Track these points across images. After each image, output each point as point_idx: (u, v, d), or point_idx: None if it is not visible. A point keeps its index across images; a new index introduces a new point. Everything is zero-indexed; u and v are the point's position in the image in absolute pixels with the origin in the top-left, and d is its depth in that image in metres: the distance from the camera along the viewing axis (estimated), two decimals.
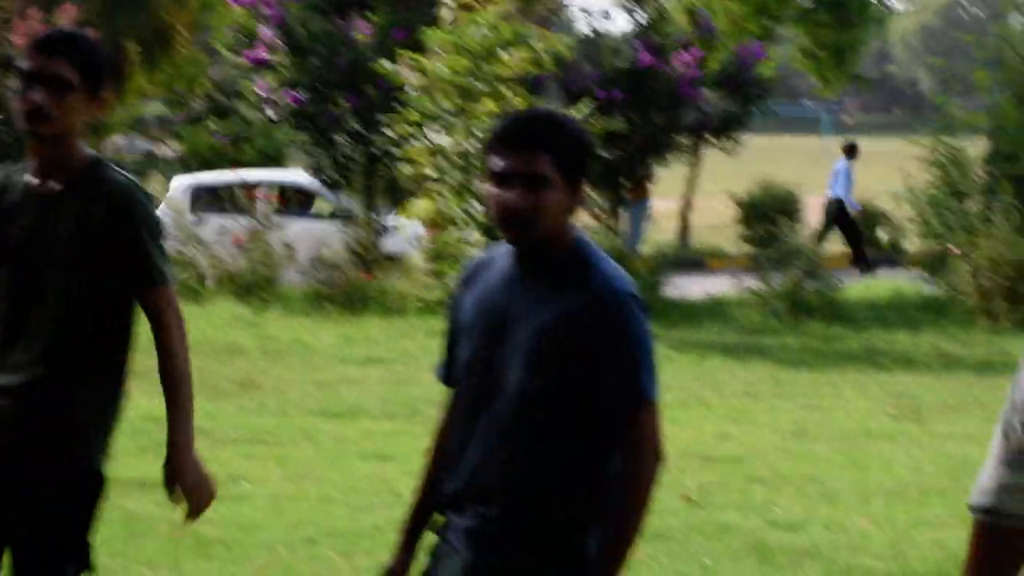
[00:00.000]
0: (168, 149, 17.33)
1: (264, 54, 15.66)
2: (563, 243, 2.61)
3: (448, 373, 2.76)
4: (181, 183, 17.21)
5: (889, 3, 16.48)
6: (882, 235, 21.99)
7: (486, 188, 2.66)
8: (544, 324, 2.55)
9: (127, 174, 3.32)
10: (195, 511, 3.17)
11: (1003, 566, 2.03)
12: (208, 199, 17.39)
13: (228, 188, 17.09)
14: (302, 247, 15.55)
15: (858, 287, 16.92)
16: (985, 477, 2.05)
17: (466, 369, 2.68)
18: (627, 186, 17.81)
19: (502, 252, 2.70)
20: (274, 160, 18.87)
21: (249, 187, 16.76)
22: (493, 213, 2.60)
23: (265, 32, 15.64)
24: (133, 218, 3.22)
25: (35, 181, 3.26)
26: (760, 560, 6.25)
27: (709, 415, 10.16)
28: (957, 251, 15.60)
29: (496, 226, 2.65)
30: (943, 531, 6.58)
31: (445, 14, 13.94)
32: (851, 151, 20.28)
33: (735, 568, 6.15)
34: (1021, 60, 16.64)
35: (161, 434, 3.33)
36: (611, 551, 2.52)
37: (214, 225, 15.85)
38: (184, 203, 16.50)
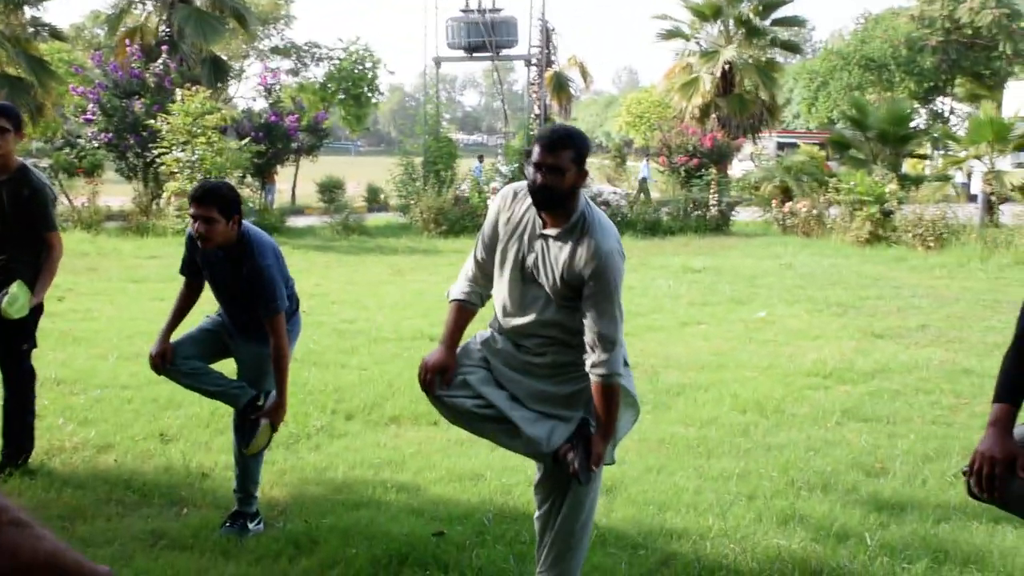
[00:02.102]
0: (43, 163, 20.83)
1: (91, 116, 20.59)
2: (232, 241, 3.83)
3: (183, 271, 4.14)
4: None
5: (381, 98, 21.34)
6: (387, 199, 26.40)
7: (190, 223, 3.74)
8: (233, 262, 3.88)
9: (43, 176, 4.17)
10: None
11: (462, 325, 3.23)
12: None
13: None
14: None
15: (374, 220, 21.14)
16: (461, 284, 3.20)
17: (210, 277, 4.02)
18: (266, 176, 23.12)
19: None
20: (97, 167, 22.62)
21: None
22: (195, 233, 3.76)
23: (91, 107, 20.50)
24: (32, 187, 4.21)
25: None
26: (338, 337, 8.56)
27: (311, 276, 12.62)
28: (412, 203, 20.76)
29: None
30: (417, 320, 8.76)
31: (178, 96, 17.93)
32: (480, 159, 24.63)
33: (328, 341, 8.31)
34: (435, 125, 23.80)
35: None
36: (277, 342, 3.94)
37: None
38: None
